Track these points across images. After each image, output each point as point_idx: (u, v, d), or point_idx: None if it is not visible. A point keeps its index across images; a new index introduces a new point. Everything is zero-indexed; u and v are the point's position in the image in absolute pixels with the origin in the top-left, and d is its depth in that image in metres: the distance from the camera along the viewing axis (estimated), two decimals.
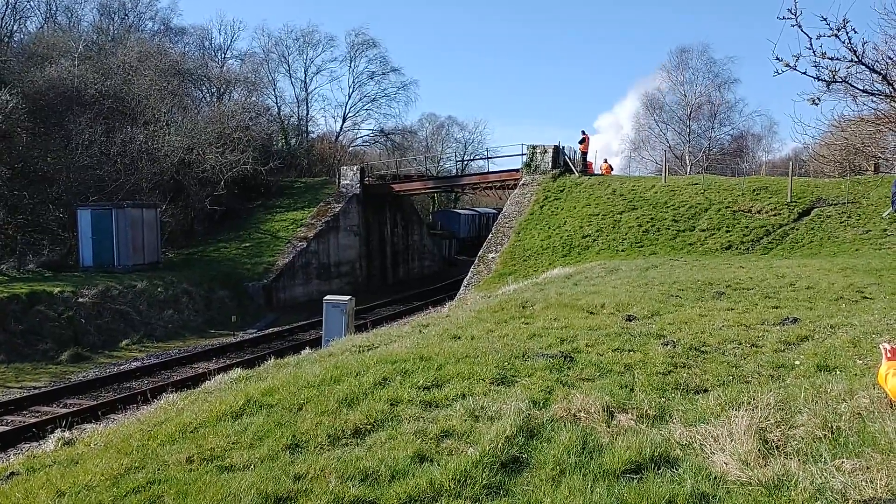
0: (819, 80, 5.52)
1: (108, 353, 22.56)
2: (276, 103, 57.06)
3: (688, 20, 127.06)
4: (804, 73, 5.43)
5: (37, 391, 17.72)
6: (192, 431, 6.14)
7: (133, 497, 4.85)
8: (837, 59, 5.53)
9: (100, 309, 23.94)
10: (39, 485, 5.45)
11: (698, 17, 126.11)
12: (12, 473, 6.22)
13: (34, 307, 22.20)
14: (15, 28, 44.17)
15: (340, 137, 61.86)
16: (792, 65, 5.34)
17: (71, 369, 20.39)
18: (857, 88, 6.26)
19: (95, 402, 16.90)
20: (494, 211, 52.80)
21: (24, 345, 21.08)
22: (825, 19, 5.28)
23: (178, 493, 4.79)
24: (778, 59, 5.38)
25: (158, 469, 5.32)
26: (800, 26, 5.14)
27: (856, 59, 5.56)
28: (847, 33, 5.38)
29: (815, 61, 5.45)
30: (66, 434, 7.41)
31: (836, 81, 5.58)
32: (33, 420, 15.50)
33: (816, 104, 5.68)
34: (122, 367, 20.63)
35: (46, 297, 22.85)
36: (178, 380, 18.45)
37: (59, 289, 23.51)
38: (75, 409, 16.28)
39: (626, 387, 6.51)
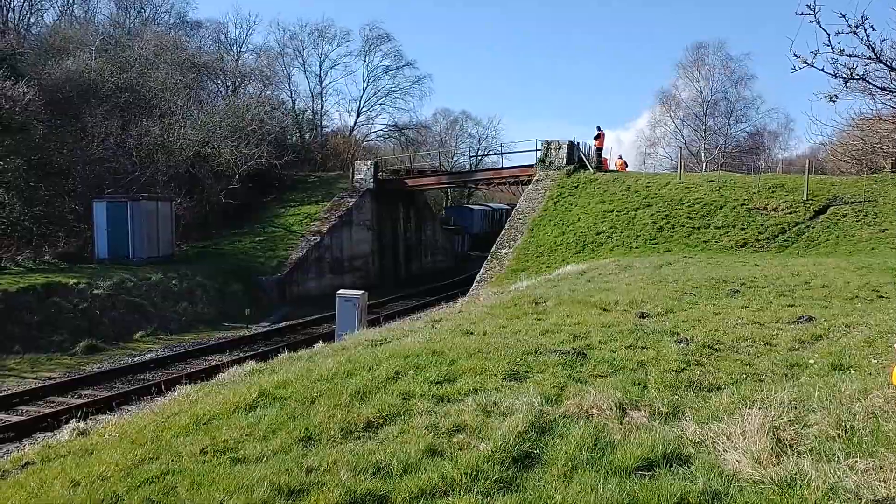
0: (837, 76, 5.49)
1: (123, 344, 22.71)
2: (291, 97, 57.20)
3: (706, 18, 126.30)
4: (822, 69, 5.40)
5: (52, 382, 17.86)
6: (205, 423, 6.19)
7: (147, 487, 4.89)
8: (855, 56, 5.49)
9: (114, 301, 24.10)
10: (54, 474, 5.51)
11: (716, 15, 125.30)
12: (27, 463, 6.28)
13: (50, 298, 22.39)
14: (32, 21, 44.56)
15: (354, 132, 61.95)
16: (809, 61, 5.32)
17: (86, 360, 20.54)
18: (876, 86, 6.21)
19: (110, 394, 17.02)
20: (508, 207, 52.66)
21: (40, 336, 21.26)
22: (843, 16, 5.25)
23: (192, 483, 4.83)
24: (795, 55, 5.35)
25: (172, 460, 5.36)
26: (818, 23, 5.11)
27: (874, 57, 5.52)
28: (865, 30, 5.34)
29: (832, 58, 5.42)
30: (81, 424, 7.47)
31: (853, 79, 5.54)
32: (48, 410, 15.64)
33: (834, 101, 5.64)
34: (136, 359, 20.77)
35: (62, 288, 23.04)
36: (191, 372, 18.54)
37: (74, 280, 23.69)
38: (90, 399, 16.40)
39: (638, 384, 6.51)
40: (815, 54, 5.29)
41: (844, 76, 5.48)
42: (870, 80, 5.94)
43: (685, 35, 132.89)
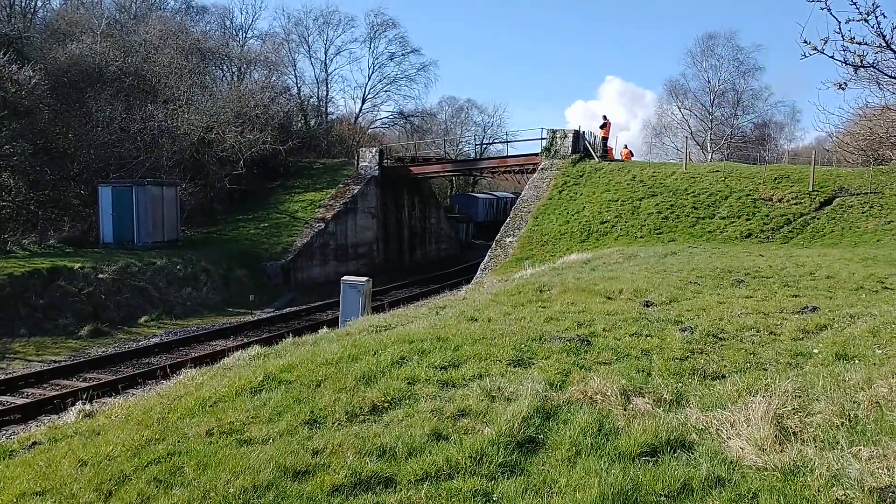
0: (847, 64, 5.47)
1: (128, 329, 22.79)
2: (296, 84, 57.02)
3: (717, 6, 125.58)
4: (831, 57, 5.39)
5: (57, 365, 17.94)
6: (211, 405, 6.22)
7: (154, 467, 4.93)
8: (866, 44, 5.48)
9: (119, 285, 24.16)
10: (62, 454, 5.55)
11: (726, 4, 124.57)
12: (35, 443, 6.33)
13: (55, 282, 22.45)
14: (38, 4, 44.40)
15: (359, 119, 61.77)
16: (819, 48, 5.31)
17: (90, 344, 20.62)
18: (886, 74, 6.20)
19: (115, 377, 17.09)
20: (513, 195, 52.62)
21: (45, 319, 21.34)
22: (854, 3, 5.23)
23: (198, 464, 4.87)
24: (806, 42, 5.34)
25: (178, 441, 5.40)
26: (829, 9, 5.10)
27: (884, 45, 5.50)
28: (876, 18, 5.33)
29: (843, 45, 5.41)
30: (87, 407, 7.50)
31: (863, 66, 5.53)
32: (54, 393, 15.71)
33: (843, 89, 5.63)
34: (141, 343, 20.84)
35: (67, 272, 23.09)
36: (196, 356, 18.61)
37: (79, 264, 23.74)
38: (95, 383, 16.45)
39: (643, 371, 6.53)
40: (826, 42, 5.28)
41: (854, 64, 5.46)
42: (880, 69, 5.93)
43: (695, 23, 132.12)
